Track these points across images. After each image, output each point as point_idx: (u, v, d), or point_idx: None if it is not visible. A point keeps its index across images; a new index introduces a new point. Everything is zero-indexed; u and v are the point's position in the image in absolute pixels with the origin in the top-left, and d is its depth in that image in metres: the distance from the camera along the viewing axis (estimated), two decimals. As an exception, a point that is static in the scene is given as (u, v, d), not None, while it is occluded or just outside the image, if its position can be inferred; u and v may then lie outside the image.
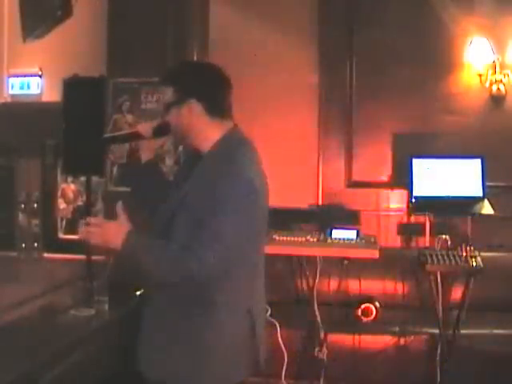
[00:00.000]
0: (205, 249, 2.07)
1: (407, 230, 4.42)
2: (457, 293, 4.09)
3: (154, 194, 2.45)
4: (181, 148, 3.87)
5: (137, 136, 2.46)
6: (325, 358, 3.88)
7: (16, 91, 4.80)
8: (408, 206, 4.10)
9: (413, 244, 4.43)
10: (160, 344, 2.24)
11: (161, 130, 2.42)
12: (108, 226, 2.18)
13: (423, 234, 4.13)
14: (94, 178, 3.80)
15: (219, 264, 2.11)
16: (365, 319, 4.13)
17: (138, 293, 3.16)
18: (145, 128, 2.43)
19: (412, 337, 4.06)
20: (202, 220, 2.10)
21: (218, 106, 2.27)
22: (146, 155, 2.47)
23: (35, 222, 4.03)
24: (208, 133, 2.26)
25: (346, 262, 3.82)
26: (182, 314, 2.20)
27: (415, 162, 4.14)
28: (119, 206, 2.18)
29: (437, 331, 3.83)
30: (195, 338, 2.19)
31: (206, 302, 2.18)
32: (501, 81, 4.67)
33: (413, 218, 4.39)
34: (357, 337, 4.05)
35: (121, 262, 2.20)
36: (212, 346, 2.20)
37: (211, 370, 2.21)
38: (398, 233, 4.54)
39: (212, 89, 2.26)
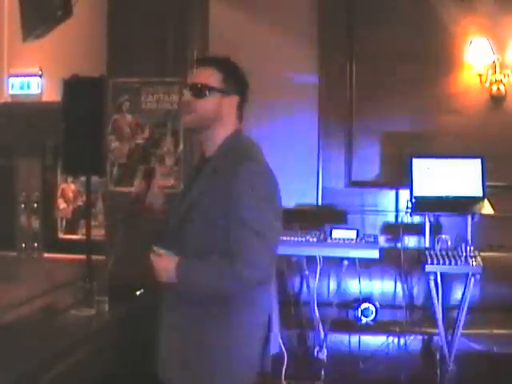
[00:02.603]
0: (255, 254, 2.09)
1: (406, 230, 4.42)
2: (457, 293, 4.09)
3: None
4: (181, 148, 3.87)
5: (140, 197, 2.50)
6: (325, 358, 3.88)
7: (16, 91, 4.80)
8: (408, 206, 4.09)
9: (410, 244, 4.42)
10: (179, 345, 2.23)
11: (149, 174, 2.47)
12: (158, 261, 2.18)
13: (423, 233, 4.13)
14: (94, 178, 3.80)
15: (270, 265, 2.16)
16: (365, 319, 4.13)
17: (137, 293, 3.17)
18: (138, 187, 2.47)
19: (412, 337, 4.06)
20: (238, 218, 2.10)
21: (242, 108, 2.33)
22: (156, 204, 2.48)
23: (35, 222, 4.03)
24: (226, 128, 2.28)
25: (345, 262, 3.81)
26: (204, 314, 2.19)
27: (415, 161, 4.14)
28: (157, 249, 2.19)
29: (436, 331, 3.83)
30: (216, 339, 2.19)
31: (229, 302, 2.18)
32: (501, 81, 4.66)
33: (413, 218, 4.39)
34: (357, 337, 4.05)
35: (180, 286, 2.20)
36: (232, 346, 2.20)
37: (229, 369, 2.21)
38: (396, 232, 4.53)
39: (246, 91, 2.33)
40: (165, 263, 2.16)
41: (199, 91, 2.23)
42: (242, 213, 2.10)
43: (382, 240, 4.46)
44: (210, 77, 2.24)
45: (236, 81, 2.28)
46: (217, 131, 2.28)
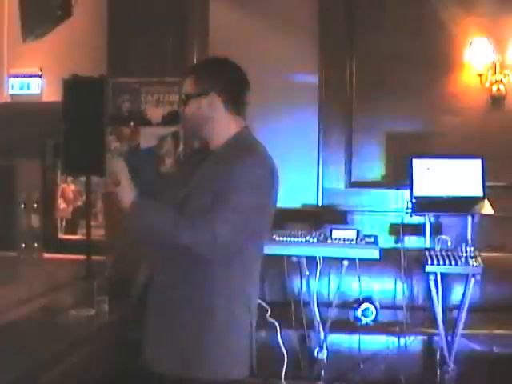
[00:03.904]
0: (220, 220, 2.11)
1: (406, 230, 4.42)
2: (457, 293, 4.09)
3: (145, 182, 2.45)
4: (181, 147, 3.87)
5: (144, 121, 2.45)
6: (325, 358, 3.88)
7: (16, 91, 4.80)
8: (408, 206, 4.09)
9: (410, 244, 4.42)
10: (167, 341, 2.24)
11: (170, 119, 2.43)
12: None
13: (423, 233, 4.13)
14: (94, 178, 3.80)
15: (231, 239, 2.14)
16: (365, 319, 4.13)
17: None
18: (155, 113, 2.44)
19: (412, 337, 4.06)
20: (218, 194, 2.13)
21: (235, 103, 2.33)
22: (145, 142, 2.46)
23: (35, 222, 4.03)
24: (223, 127, 2.31)
25: (345, 262, 3.81)
26: (186, 304, 2.21)
27: (415, 162, 4.14)
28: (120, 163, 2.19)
29: (437, 331, 3.83)
30: (197, 330, 2.20)
31: (209, 292, 2.20)
32: (501, 81, 4.67)
33: (413, 218, 4.39)
34: (357, 337, 4.05)
35: (131, 223, 2.20)
36: (213, 339, 2.21)
37: (213, 362, 2.21)
38: (397, 232, 4.53)
39: (232, 85, 2.32)
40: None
41: (183, 102, 2.34)
42: (230, 192, 2.13)
43: (382, 240, 4.45)
44: (188, 85, 2.33)
45: (210, 78, 2.30)
46: (215, 131, 2.31)
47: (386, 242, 4.60)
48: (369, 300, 4.18)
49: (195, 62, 3.94)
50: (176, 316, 2.23)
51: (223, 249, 2.14)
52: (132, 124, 2.48)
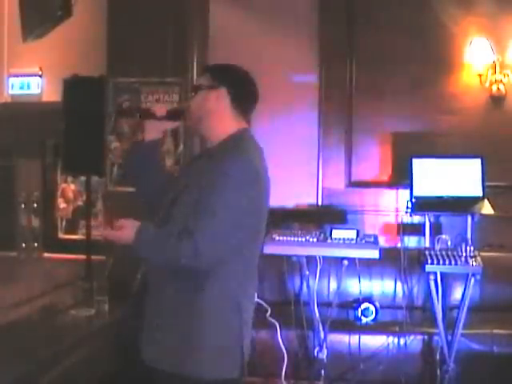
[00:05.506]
0: (202, 236, 2.11)
1: (406, 230, 4.42)
2: (457, 293, 4.09)
3: (149, 176, 2.47)
4: (181, 148, 3.88)
5: (150, 114, 2.49)
6: (325, 358, 3.88)
7: (16, 91, 4.80)
8: (408, 206, 4.10)
9: (410, 244, 4.42)
10: (157, 332, 2.27)
11: (175, 114, 2.47)
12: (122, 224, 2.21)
13: (423, 233, 4.13)
14: (94, 178, 3.80)
15: (214, 252, 2.15)
16: (365, 319, 4.13)
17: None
18: (159, 108, 2.48)
19: (412, 337, 4.06)
20: (201, 200, 2.14)
21: (242, 103, 2.36)
22: (150, 135, 2.49)
23: (35, 222, 4.03)
24: (224, 124, 2.33)
25: (345, 262, 3.81)
26: (175, 301, 2.23)
27: (415, 161, 4.14)
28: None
29: (437, 331, 3.83)
30: (185, 326, 2.22)
31: (197, 289, 2.21)
32: (501, 81, 4.66)
33: (413, 218, 4.40)
34: (357, 337, 4.05)
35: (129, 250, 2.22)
36: (199, 336, 2.22)
37: (199, 360, 2.22)
38: (397, 232, 4.54)
39: (243, 86, 2.37)
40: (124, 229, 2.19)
41: (192, 92, 2.41)
42: (216, 201, 2.13)
43: (382, 240, 4.46)
44: (201, 79, 2.40)
45: (223, 75, 2.36)
46: (215, 126, 2.33)
47: (386, 242, 4.61)
48: (369, 300, 4.19)
49: (195, 62, 3.95)
50: (166, 317, 2.25)
51: (205, 262, 2.15)
52: (138, 115, 2.51)
